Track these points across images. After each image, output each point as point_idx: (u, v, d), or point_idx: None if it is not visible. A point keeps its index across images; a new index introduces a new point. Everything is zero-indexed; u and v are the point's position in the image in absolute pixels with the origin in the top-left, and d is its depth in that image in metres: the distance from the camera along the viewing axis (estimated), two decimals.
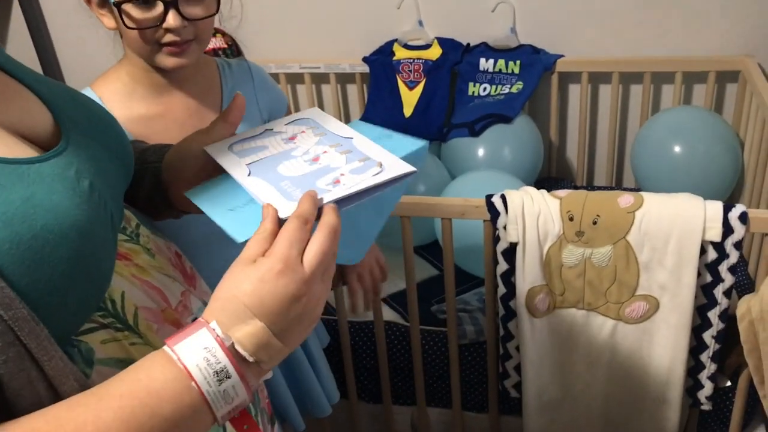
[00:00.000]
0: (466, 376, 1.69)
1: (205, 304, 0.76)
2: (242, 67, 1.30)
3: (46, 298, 0.52)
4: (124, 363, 0.62)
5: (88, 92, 1.14)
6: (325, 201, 0.68)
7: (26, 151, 0.58)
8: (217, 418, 0.57)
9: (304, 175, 0.74)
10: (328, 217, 0.65)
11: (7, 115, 0.60)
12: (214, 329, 0.57)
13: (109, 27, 1.10)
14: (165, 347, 0.57)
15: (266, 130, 0.84)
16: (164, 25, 1.04)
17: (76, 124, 0.66)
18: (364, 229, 0.89)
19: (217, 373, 0.56)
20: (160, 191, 0.82)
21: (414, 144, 0.79)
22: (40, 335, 0.51)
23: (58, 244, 0.53)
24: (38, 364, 0.52)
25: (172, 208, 0.84)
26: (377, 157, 0.76)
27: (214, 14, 1.11)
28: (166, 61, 1.10)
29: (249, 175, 0.74)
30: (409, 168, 0.73)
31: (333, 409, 1.82)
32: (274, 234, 0.63)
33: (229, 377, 0.57)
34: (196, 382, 0.55)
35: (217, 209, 0.72)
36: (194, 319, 0.72)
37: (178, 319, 0.71)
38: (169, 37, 1.07)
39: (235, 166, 0.76)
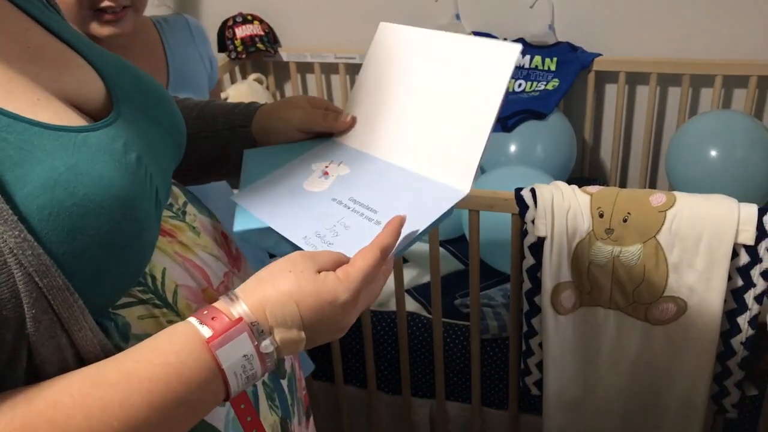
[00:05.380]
0: (486, 372, 1.68)
1: None
2: (180, 22, 1.27)
3: (83, 267, 0.52)
4: None
5: None
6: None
7: (76, 120, 0.57)
8: (229, 399, 0.59)
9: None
10: (387, 240, 0.66)
11: (61, 83, 0.60)
12: (254, 336, 0.58)
13: None
14: (203, 341, 0.56)
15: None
16: None
17: (128, 97, 0.65)
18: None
19: (248, 378, 0.58)
20: None
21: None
22: (73, 305, 0.51)
23: (98, 214, 0.52)
24: (68, 332, 0.52)
25: None
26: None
27: None
28: (100, 30, 1.06)
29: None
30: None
31: (351, 399, 1.83)
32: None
33: (255, 377, 0.59)
34: (228, 384, 0.57)
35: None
36: None
37: (219, 300, 0.71)
38: (105, 3, 1.03)
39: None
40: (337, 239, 0.71)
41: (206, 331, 0.56)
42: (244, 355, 0.57)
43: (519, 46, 0.71)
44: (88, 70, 0.65)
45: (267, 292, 0.59)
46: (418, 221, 0.70)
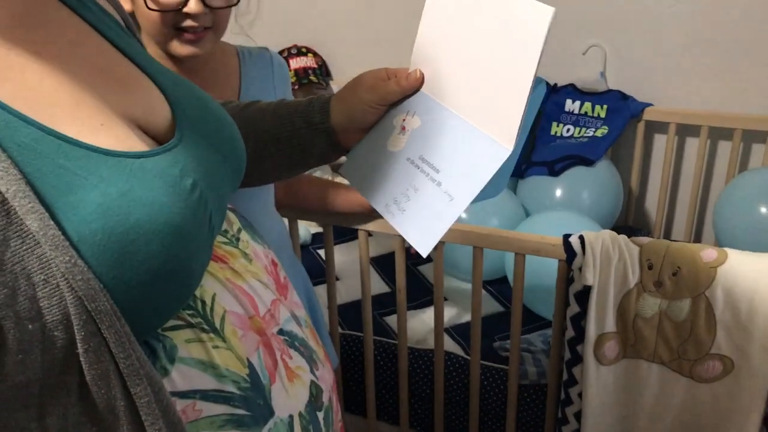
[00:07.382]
0: (522, 418, 1.66)
1: (294, 315, 0.77)
2: (264, 57, 1.29)
3: (131, 291, 0.52)
4: (204, 365, 0.62)
5: None
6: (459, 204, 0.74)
7: (138, 144, 0.58)
8: None
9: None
10: None
11: (129, 106, 0.61)
12: None
13: (126, 10, 1.12)
14: None
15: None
16: (185, 10, 1.06)
17: (191, 121, 0.66)
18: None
19: None
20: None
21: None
22: (120, 331, 0.51)
23: (149, 240, 0.52)
24: (115, 360, 0.52)
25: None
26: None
27: (235, 4, 1.13)
28: (180, 48, 1.10)
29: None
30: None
31: None
32: None
33: None
34: None
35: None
36: (279, 330, 0.72)
37: (264, 328, 0.70)
38: (188, 23, 1.08)
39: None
40: (409, 204, 0.77)
41: None
42: None
43: (552, 10, 0.71)
44: (156, 94, 0.66)
45: None
46: (475, 181, 0.75)
